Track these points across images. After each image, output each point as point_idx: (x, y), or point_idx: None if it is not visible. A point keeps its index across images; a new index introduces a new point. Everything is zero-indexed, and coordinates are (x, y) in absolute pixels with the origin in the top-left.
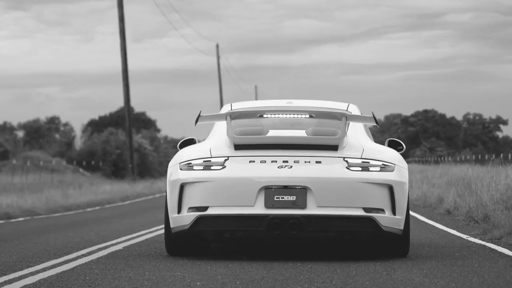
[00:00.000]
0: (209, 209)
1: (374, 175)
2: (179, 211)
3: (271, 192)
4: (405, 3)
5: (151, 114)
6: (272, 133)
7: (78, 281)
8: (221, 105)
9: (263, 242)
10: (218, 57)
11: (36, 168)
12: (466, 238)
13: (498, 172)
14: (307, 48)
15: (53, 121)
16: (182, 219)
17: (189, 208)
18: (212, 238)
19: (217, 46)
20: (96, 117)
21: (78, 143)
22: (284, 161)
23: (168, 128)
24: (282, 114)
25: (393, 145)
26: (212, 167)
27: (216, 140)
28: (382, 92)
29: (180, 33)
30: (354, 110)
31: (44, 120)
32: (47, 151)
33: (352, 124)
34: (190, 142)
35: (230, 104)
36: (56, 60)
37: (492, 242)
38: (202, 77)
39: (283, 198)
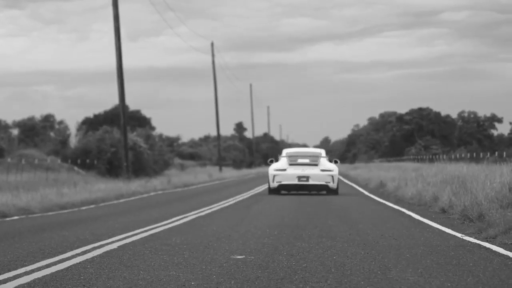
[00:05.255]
0: (282, 182)
1: (327, 172)
2: (272, 182)
3: (299, 177)
4: (401, 1)
5: (146, 112)
6: (299, 160)
7: (73, 280)
8: (216, 104)
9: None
10: (213, 55)
11: (31, 166)
12: (461, 237)
13: (493, 171)
14: (303, 47)
15: (48, 119)
16: (274, 185)
17: (276, 181)
18: (282, 190)
19: (212, 44)
20: (91, 115)
21: (73, 141)
22: (302, 169)
23: (163, 126)
24: (301, 157)
25: (337, 160)
26: (281, 169)
27: (283, 162)
28: (378, 90)
29: (176, 31)
30: (323, 152)
31: (39, 118)
32: (42, 149)
33: (323, 157)
34: (274, 159)
35: (285, 150)
36: (52, 58)
37: (487, 241)
38: (197, 75)
39: (302, 179)
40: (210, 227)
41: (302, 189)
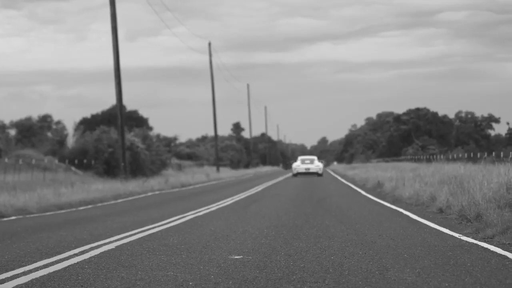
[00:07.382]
0: (298, 171)
1: (318, 167)
2: (294, 171)
3: (305, 169)
4: (400, 1)
5: (143, 112)
6: (305, 161)
7: (71, 281)
8: (213, 104)
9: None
10: (210, 56)
11: (28, 166)
12: (459, 237)
13: (490, 171)
14: (302, 47)
15: (45, 120)
16: (294, 172)
17: (296, 171)
18: (298, 175)
19: (209, 44)
20: (89, 115)
21: (70, 141)
22: (307, 165)
23: (160, 126)
24: (306, 160)
25: (322, 160)
26: (298, 165)
27: (299, 162)
28: (375, 90)
29: (174, 31)
30: (316, 157)
31: (36, 118)
32: (39, 149)
33: (316, 160)
34: (294, 160)
35: (299, 157)
36: (49, 58)
37: (484, 241)
38: (195, 75)
39: (307, 169)
40: (207, 227)
41: (307, 174)
